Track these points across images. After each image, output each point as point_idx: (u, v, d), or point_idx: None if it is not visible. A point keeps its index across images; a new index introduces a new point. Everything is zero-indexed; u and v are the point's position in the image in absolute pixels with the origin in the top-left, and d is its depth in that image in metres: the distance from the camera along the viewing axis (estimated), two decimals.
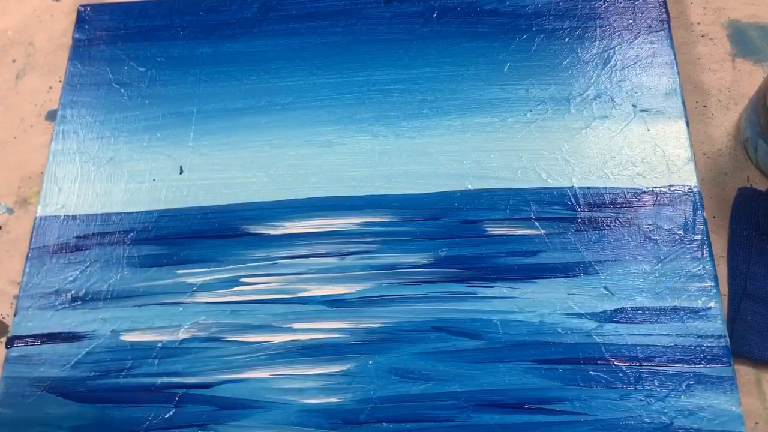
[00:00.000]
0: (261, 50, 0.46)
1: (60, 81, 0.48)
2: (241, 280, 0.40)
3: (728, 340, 0.36)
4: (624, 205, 0.39)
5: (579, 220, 0.39)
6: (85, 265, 0.42)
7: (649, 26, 0.44)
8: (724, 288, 0.38)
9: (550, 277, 0.38)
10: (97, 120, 0.46)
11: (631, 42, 0.44)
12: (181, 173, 0.43)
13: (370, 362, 0.37)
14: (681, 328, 0.36)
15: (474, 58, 0.44)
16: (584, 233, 0.39)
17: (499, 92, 0.43)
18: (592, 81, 0.43)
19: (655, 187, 0.40)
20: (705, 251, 0.38)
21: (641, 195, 0.40)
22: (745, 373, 0.36)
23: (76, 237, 0.42)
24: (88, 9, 0.49)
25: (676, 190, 0.39)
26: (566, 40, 0.44)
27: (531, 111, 0.42)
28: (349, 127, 0.43)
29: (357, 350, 0.38)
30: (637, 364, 0.36)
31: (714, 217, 0.40)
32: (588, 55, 0.44)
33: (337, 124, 0.43)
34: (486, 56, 0.44)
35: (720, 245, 0.39)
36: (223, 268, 0.41)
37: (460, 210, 0.40)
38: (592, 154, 0.41)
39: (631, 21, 0.44)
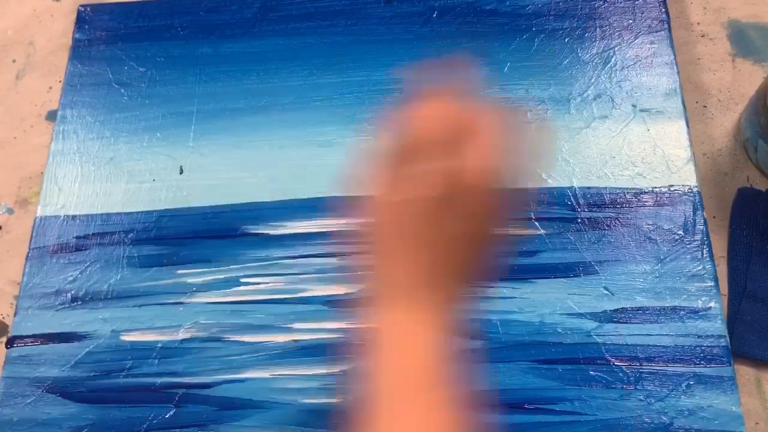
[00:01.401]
0: (261, 50, 0.46)
1: (60, 81, 0.48)
2: (241, 280, 0.40)
3: (728, 340, 0.36)
4: (624, 205, 0.39)
5: (579, 220, 0.39)
6: (85, 265, 0.41)
7: (649, 26, 0.44)
8: (724, 288, 0.38)
9: (550, 277, 0.38)
10: (97, 120, 0.46)
11: (631, 42, 0.44)
12: (181, 173, 0.43)
13: None
14: (681, 328, 0.36)
15: (474, 57, 0.44)
16: (584, 233, 0.39)
17: (499, 92, 0.43)
18: (592, 81, 0.43)
19: (655, 187, 0.40)
20: (705, 251, 0.38)
21: (641, 195, 0.40)
22: (744, 373, 0.36)
23: (76, 237, 0.42)
24: (88, 9, 0.49)
25: (676, 190, 0.39)
26: (566, 40, 0.44)
27: (531, 111, 0.42)
28: (349, 127, 0.43)
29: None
30: (637, 364, 0.36)
31: (714, 217, 0.40)
32: (588, 56, 0.44)
33: (337, 124, 0.43)
34: (486, 56, 0.44)
35: (720, 245, 0.39)
36: (223, 268, 0.41)
37: None
38: (592, 154, 0.41)
39: (631, 21, 0.44)
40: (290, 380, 0.37)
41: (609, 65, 0.43)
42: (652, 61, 0.43)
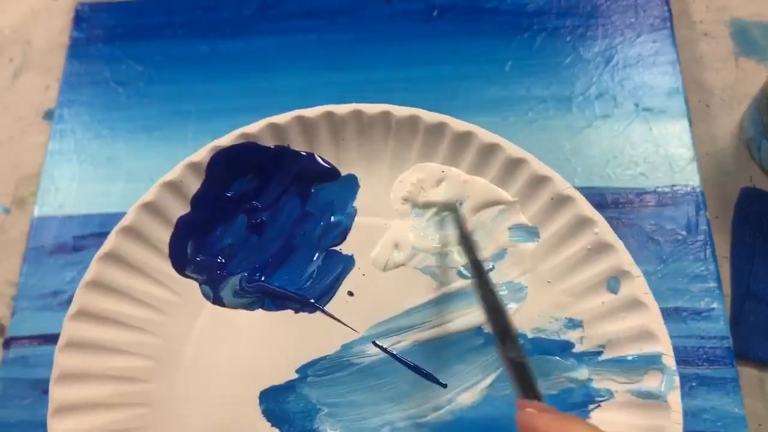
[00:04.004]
0: (260, 48, 0.46)
1: (57, 80, 0.47)
2: None
3: (731, 341, 0.36)
4: (626, 206, 0.39)
5: None
6: (84, 265, 0.41)
7: (652, 24, 0.44)
8: (727, 289, 0.38)
9: None
10: (95, 119, 0.45)
11: (634, 40, 0.43)
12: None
13: None
14: (684, 329, 0.36)
15: (475, 56, 0.44)
16: None
17: (500, 91, 0.43)
18: (594, 80, 0.43)
19: (658, 187, 0.39)
20: (708, 252, 0.37)
21: (644, 195, 0.39)
22: (747, 374, 0.36)
23: (74, 237, 0.42)
24: (86, 7, 0.49)
25: (678, 190, 0.39)
26: (568, 38, 0.44)
27: (532, 110, 0.42)
28: None
29: None
30: None
31: (717, 218, 0.39)
32: (590, 54, 0.43)
33: None
34: (487, 55, 0.44)
35: (723, 246, 0.39)
36: None
37: None
38: (594, 154, 0.41)
39: (633, 19, 0.44)
40: None
41: (611, 64, 0.43)
42: (654, 59, 0.43)
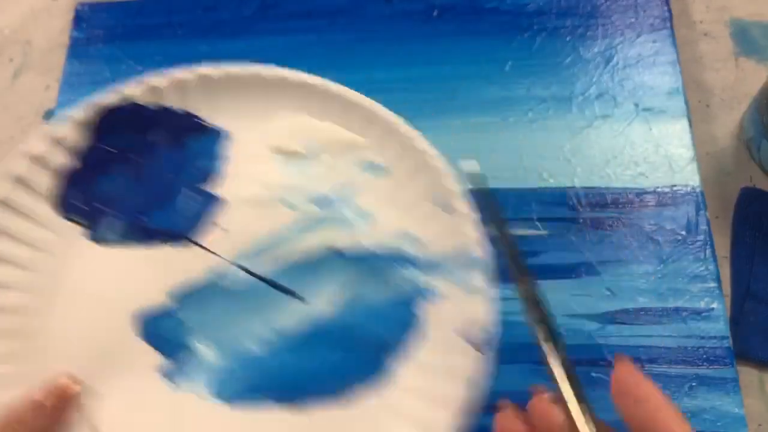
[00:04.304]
0: (260, 48, 0.46)
1: (57, 80, 0.47)
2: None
3: (731, 341, 0.36)
4: (626, 206, 0.39)
5: (581, 221, 0.39)
6: None
7: (652, 24, 0.44)
8: (727, 289, 0.38)
9: (552, 278, 0.38)
10: None
11: (634, 40, 0.43)
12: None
13: None
14: (684, 329, 0.36)
15: (475, 56, 0.44)
16: (586, 234, 0.39)
17: (500, 91, 0.43)
18: (594, 80, 0.43)
19: (658, 187, 0.39)
20: (708, 252, 0.37)
21: (643, 195, 0.39)
22: (748, 374, 0.36)
23: None
24: (86, 7, 0.49)
25: (678, 190, 0.39)
26: (568, 38, 0.44)
27: (532, 110, 0.42)
28: None
29: None
30: (640, 366, 0.35)
31: (717, 218, 0.39)
32: (590, 54, 0.43)
33: None
34: (487, 55, 0.44)
35: (723, 246, 0.39)
36: None
37: None
38: (594, 154, 0.41)
39: (633, 19, 0.44)
40: None
41: (611, 64, 0.43)
42: (654, 59, 0.43)
